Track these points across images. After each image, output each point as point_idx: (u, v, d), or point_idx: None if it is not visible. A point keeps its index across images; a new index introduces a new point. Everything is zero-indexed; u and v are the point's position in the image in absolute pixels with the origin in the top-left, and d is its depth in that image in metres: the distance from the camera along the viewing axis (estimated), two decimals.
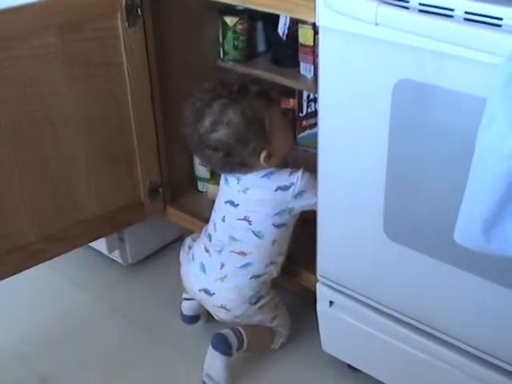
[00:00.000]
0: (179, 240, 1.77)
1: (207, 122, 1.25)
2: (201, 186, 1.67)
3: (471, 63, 0.89)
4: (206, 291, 1.38)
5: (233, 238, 1.35)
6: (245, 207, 1.33)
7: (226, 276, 1.36)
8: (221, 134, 1.24)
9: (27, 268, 1.41)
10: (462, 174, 0.89)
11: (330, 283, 1.28)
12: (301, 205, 1.31)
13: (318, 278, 1.30)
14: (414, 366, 1.22)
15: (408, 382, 1.27)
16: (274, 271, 1.39)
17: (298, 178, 1.29)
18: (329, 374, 1.42)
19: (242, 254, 1.35)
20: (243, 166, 1.29)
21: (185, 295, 1.52)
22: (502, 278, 1.01)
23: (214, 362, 1.37)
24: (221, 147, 1.25)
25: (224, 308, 1.38)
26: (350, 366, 1.39)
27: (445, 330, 1.14)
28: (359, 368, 1.35)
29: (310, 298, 1.34)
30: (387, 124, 1.03)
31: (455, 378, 1.16)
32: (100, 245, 1.70)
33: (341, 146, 1.13)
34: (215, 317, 1.43)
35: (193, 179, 1.68)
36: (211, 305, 1.41)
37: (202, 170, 1.66)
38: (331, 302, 1.30)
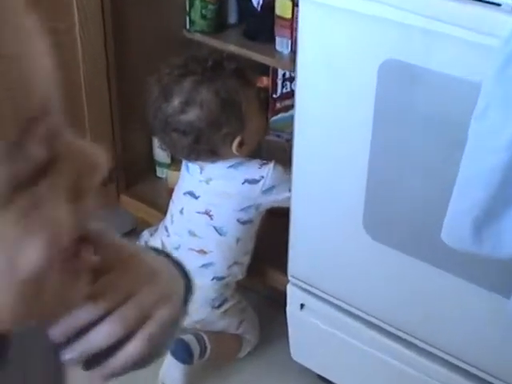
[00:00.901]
0: (134, 232, 1.76)
1: (176, 102, 1.22)
2: (160, 171, 1.66)
3: (466, 44, 0.89)
4: None
5: (192, 233, 1.33)
6: (206, 199, 1.31)
7: None
8: (191, 115, 1.22)
9: None
10: (451, 165, 0.90)
11: (301, 284, 1.28)
12: (270, 200, 1.30)
13: (289, 278, 1.30)
14: (392, 377, 1.23)
15: None
16: (239, 273, 1.37)
17: (268, 171, 1.28)
18: None
19: (202, 252, 1.33)
20: (212, 153, 1.27)
21: None
22: (487, 281, 1.02)
23: (171, 371, 1.36)
24: (190, 131, 1.23)
25: None
26: (320, 377, 1.39)
27: (428, 340, 1.15)
28: (330, 379, 1.36)
29: (280, 300, 1.35)
30: (372, 108, 1.02)
31: None
32: None
33: (319, 132, 1.12)
34: None
35: (151, 164, 1.66)
36: None
37: (161, 154, 1.64)
38: (302, 305, 1.30)
